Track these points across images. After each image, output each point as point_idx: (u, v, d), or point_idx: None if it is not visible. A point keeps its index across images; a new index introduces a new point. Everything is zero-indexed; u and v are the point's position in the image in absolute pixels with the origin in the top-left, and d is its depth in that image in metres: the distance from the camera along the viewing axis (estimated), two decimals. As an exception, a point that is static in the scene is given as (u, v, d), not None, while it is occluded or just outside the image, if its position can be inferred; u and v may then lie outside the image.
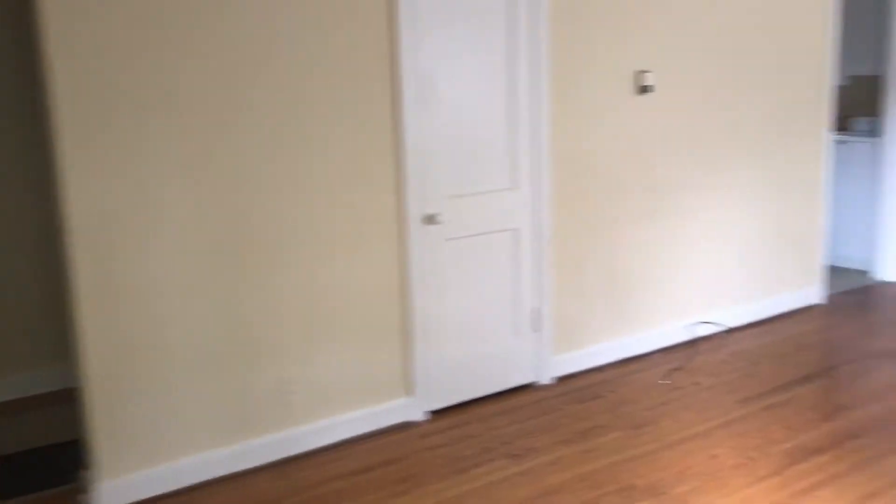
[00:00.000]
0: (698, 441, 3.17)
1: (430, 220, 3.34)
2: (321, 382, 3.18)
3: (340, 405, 3.25)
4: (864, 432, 3.19)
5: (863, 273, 5.55)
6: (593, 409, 3.52)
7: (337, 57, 3.01)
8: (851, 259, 5.65)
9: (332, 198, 3.09)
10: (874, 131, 5.57)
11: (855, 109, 5.80)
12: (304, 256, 3.06)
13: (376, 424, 3.35)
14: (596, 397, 3.64)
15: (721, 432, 3.24)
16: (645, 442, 3.18)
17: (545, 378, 3.80)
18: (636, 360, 4.08)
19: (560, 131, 3.66)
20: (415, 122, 3.23)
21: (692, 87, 4.09)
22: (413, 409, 3.43)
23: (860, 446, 3.07)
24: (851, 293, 5.18)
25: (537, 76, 3.52)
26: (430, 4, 3.21)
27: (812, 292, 4.90)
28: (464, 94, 3.36)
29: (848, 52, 5.72)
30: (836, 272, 5.55)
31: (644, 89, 3.87)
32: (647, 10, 3.84)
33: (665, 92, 3.98)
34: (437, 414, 3.52)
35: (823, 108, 4.70)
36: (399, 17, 3.11)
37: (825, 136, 4.75)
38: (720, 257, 4.39)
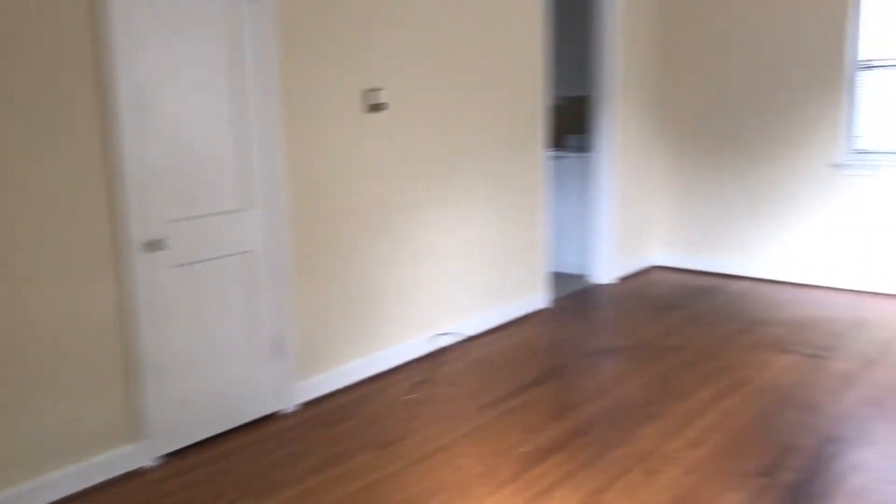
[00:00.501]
0: (445, 453, 3.21)
1: (153, 246, 3.07)
2: (25, 436, 2.79)
3: (52, 461, 2.87)
4: (591, 428, 3.42)
5: (581, 277, 6.04)
6: (342, 431, 3.44)
7: (27, 71, 2.67)
8: (571, 265, 6.12)
9: (31, 227, 2.73)
10: (585, 147, 6.08)
11: (567, 127, 6.31)
12: (1, 293, 2.67)
13: (99, 477, 3.01)
14: (344, 419, 3.57)
15: (465, 441, 3.31)
16: (394, 460, 3.16)
17: (290, 405, 3.66)
18: (383, 377, 4.07)
19: (294, 149, 3.55)
20: (133, 141, 2.95)
21: (423, 106, 4.18)
22: (142, 455, 3.12)
23: (589, 442, 3.29)
24: (572, 296, 5.60)
25: (267, 93, 3.39)
26: (147, 16, 2.96)
27: (539, 298, 5.22)
28: (189, 111, 3.14)
29: (559, 75, 6.20)
30: (558, 277, 5.97)
31: (376, 107, 3.88)
32: (378, 28, 3.86)
33: (397, 110, 4.02)
34: (174, 456, 3.25)
35: (539, 126, 5.03)
36: (110, 30, 2.83)
37: (542, 152, 5.09)
38: (455, 269, 4.53)
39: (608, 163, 5.75)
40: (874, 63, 5.33)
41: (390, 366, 4.18)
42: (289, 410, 3.66)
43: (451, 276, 4.51)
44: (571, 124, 6.34)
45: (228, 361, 3.41)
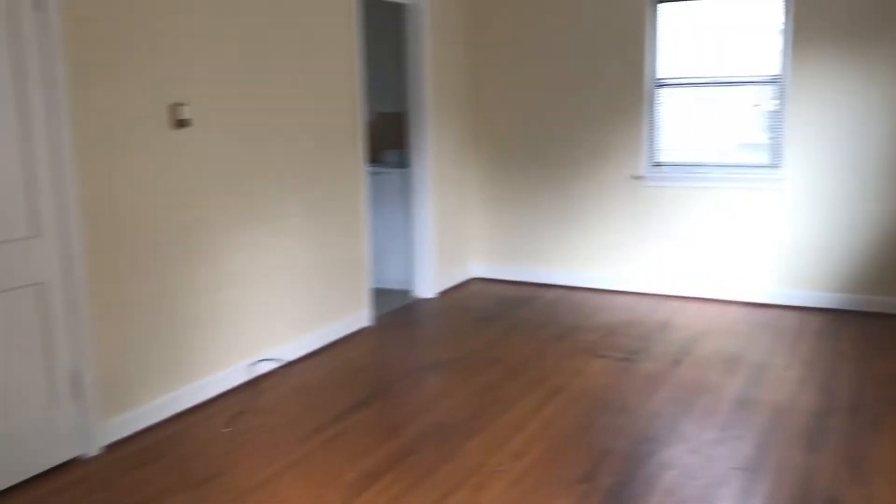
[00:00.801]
0: (267, 487, 3.05)
1: (-78, 281, 2.71)
2: None
3: None
4: (418, 447, 3.38)
5: (404, 292, 6.03)
6: (152, 472, 3.19)
7: None
8: (393, 280, 6.10)
9: None
10: (402, 163, 6.09)
11: (385, 143, 6.29)
12: None
13: None
14: (154, 459, 3.31)
15: (288, 473, 3.17)
16: (211, 499, 2.96)
17: (93, 449, 3.35)
18: (197, 411, 3.83)
19: (90, 170, 3.26)
20: None
21: (234, 121, 3.99)
22: (-83, 520, 2.74)
23: (416, 462, 3.25)
24: (396, 313, 5.57)
25: (55, 111, 3.09)
26: None
27: (362, 316, 5.14)
28: (-41, 127, 2.80)
29: (376, 90, 6.18)
30: (381, 294, 5.93)
31: (182, 123, 3.66)
32: (182, 39, 3.64)
33: (205, 126, 3.82)
34: (-47, 518, 2.87)
35: (358, 141, 4.97)
36: None
37: (361, 168, 5.03)
38: (273, 291, 4.36)
39: (425, 178, 5.79)
40: (669, 81, 5.72)
41: (205, 398, 3.94)
42: (92, 454, 3.34)
43: (269, 298, 4.33)
44: (389, 140, 6.33)
45: (20, 405, 3.06)
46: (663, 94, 5.75)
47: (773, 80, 5.42)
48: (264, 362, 4.29)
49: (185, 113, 3.67)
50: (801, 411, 3.68)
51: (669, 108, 5.77)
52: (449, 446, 3.38)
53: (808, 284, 5.40)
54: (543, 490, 2.98)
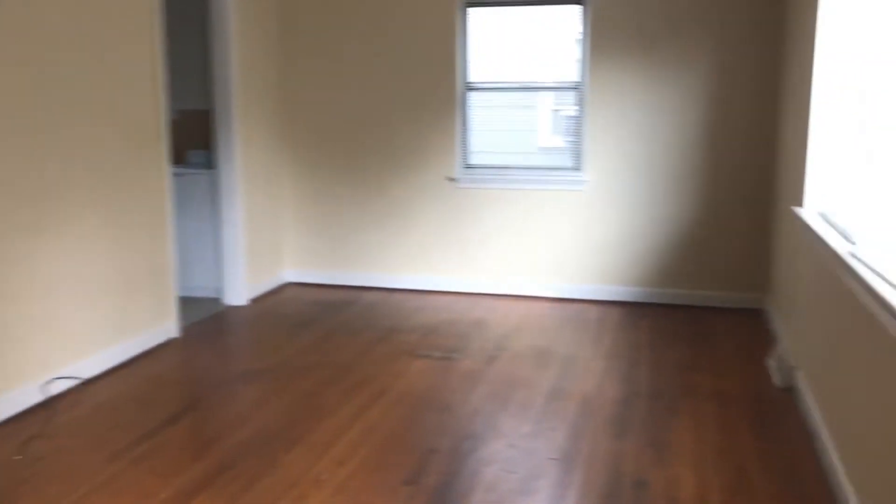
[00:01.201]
0: (67, 518, 2.79)
1: None
2: None
3: None
4: (235, 461, 3.23)
5: (214, 300, 5.76)
6: (-74, 513, 2.82)
7: None
8: (201, 288, 5.81)
9: None
10: (209, 163, 5.82)
11: (190, 143, 5.98)
12: None
13: None
14: (-72, 498, 2.93)
15: (95, 496, 2.91)
16: (0, 538, 2.66)
17: None
18: (-20, 438, 3.44)
19: None
20: None
21: (16, 118, 3.62)
22: None
23: (234, 476, 3.09)
24: (205, 322, 5.31)
25: None
26: None
27: (168, 327, 4.85)
28: None
29: (179, 87, 5.85)
30: (188, 302, 5.62)
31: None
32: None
33: (-18, 122, 3.43)
34: None
35: (160, 141, 4.68)
36: None
37: (165, 169, 4.74)
38: (66, 303, 4.01)
39: (233, 179, 5.57)
40: (479, 85, 5.87)
41: (-9, 423, 3.55)
42: None
43: (61, 311, 3.97)
44: (194, 140, 6.02)
45: None
46: (474, 98, 5.89)
47: (573, 87, 5.71)
48: (58, 381, 3.92)
49: (-41, 107, 3.28)
50: (606, 401, 3.89)
51: (480, 111, 5.92)
52: (267, 458, 3.25)
53: (608, 279, 5.74)
54: (367, 495, 2.94)
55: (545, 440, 3.44)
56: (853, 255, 2.74)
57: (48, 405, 3.80)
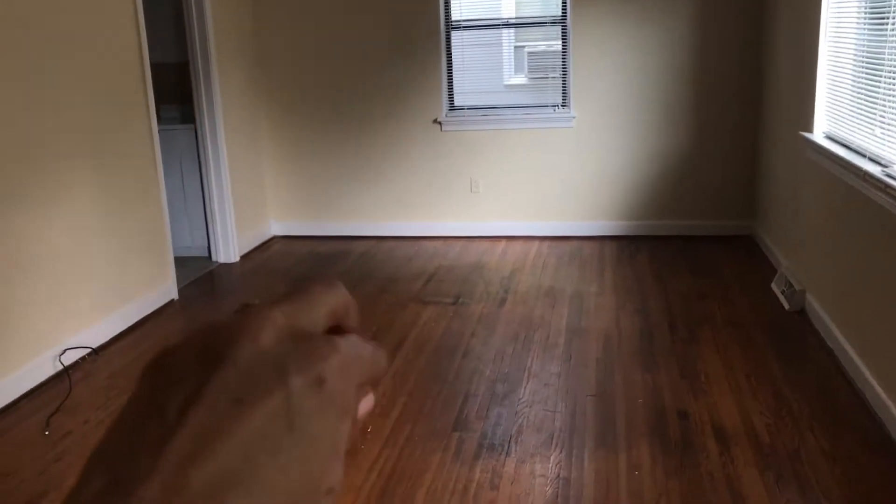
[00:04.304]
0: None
1: None
2: None
3: None
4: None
5: (204, 259, 5.61)
6: (-34, 497, 2.72)
7: None
8: (189, 248, 5.64)
9: None
10: (185, 118, 5.60)
11: (164, 97, 5.73)
12: None
13: None
14: (-35, 481, 2.82)
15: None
16: (54, 516, 2.59)
17: None
18: (4, 416, 3.31)
19: None
20: None
21: (2, 83, 3.41)
22: None
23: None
24: (199, 282, 5.19)
25: None
26: None
27: (167, 288, 4.72)
28: None
29: (152, 40, 5.58)
30: (179, 263, 5.45)
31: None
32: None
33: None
34: None
35: (146, 97, 4.48)
36: None
37: (151, 126, 4.55)
38: (68, 272, 3.85)
39: (216, 133, 5.38)
40: (463, 24, 5.72)
41: (8, 400, 3.41)
42: None
43: (64, 281, 3.82)
44: (168, 94, 5.77)
45: None
46: (457, 37, 5.76)
47: (556, 21, 5.62)
48: (70, 351, 3.79)
49: (-51, 70, 3.06)
50: (627, 334, 3.93)
51: (463, 50, 5.80)
52: (306, 415, 3.21)
53: (601, 215, 5.76)
54: (418, 444, 2.93)
55: (577, 377, 3.47)
56: (890, 175, 2.78)
57: (63, 377, 3.68)
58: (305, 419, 0.32)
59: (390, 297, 4.70)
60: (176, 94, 5.67)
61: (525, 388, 3.38)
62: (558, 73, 5.69)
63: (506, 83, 6.98)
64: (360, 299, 4.59)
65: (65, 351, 3.75)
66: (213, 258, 5.59)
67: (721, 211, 5.62)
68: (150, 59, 5.44)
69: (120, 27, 4.25)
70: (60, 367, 3.70)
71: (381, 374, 0.39)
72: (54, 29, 3.72)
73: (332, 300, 0.38)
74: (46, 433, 3.15)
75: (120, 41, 4.25)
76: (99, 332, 4.04)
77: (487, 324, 4.17)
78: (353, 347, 0.36)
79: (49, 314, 3.69)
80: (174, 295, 4.78)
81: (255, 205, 5.95)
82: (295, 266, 5.46)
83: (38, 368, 3.60)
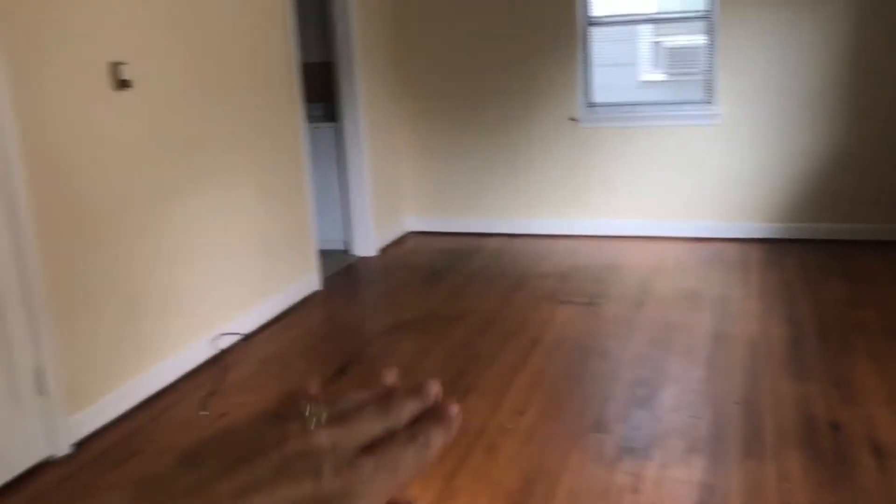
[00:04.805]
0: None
1: None
2: None
3: None
4: (415, 412, 3.25)
5: (343, 252, 5.80)
6: (134, 470, 2.93)
7: None
8: (330, 240, 5.85)
9: None
10: (329, 116, 5.81)
11: (310, 95, 5.96)
12: None
13: None
14: (134, 454, 3.05)
15: (287, 453, 2.98)
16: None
17: (63, 448, 3.04)
18: (165, 395, 3.55)
19: (31, 138, 2.89)
20: None
21: (173, 81, 3.64)
22: None
23: (419, 427, 3.11)
24: (341, 274, 5.36)
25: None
26: None
27: (311, 280, 4.91)
28: None
29: (300, 41, 5.82)
30: (322, 255, 5.67)
31: (124, 84, 3.30)
32: (111, -10, 3.26)
33: (146, 87, 3.45)
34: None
35: (295, 95, 4.68)
36: None
37: (300, 123, 4.75)
38: (225, 261, 4.08)
39: (358, 131, 5.55)
40: (602, 20, 5.66)
41: (171, 379, 3.66)
42: (62, 454, 3.03)
43: (221, 268, 4.04)
44: (314, 92, 6.01)
45: (-20, 411, 2.73)
46: (596, 33, 5.69)
47: (702, 16, 5.45)
48: (225, 336, 4.02)
49: (126, 73, 3.31)
50: (774, 341, 3.77)
51: (602, 46, 5.72)
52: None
53: (747, 216, 5.55)
54: (558, 443, 2.93)
55: (722, 384, 3.36)
56: None
57: (218, 361, 3.90)
58: None
59: (524, 294, 4.71)
60: (320, 93, 5.89)
61: (666, 392, 3.31)
62: (701, 69, 5.52)
63: (641, 79, 6.85)
64: (495, 296, 4.64)
65: (220, 335, 3.98)
66: (353, 252, 5.78)
67: (882, 213, 5.29)
68: (301, 59, 5.67)
69: (271, 28, 4.46)
70: (216, 351, 3.93)
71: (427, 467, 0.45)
72: (215, 31, 3.95)
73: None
74: (203, 413, 3.35)
75: (272, 42, 4.46)
76: (250, 318, 4.26)
77: (625, 326, 4.11)
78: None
79: (206, 300, 3.92)
80: (318, 286, 4.97)
81: (392, 201, 6.09)
82: (430, 261, 5.55)
83: (197, 351, 3.83)
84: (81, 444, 3.12)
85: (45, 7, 2.94)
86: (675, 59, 6.03)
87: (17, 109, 2.81)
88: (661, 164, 5.66)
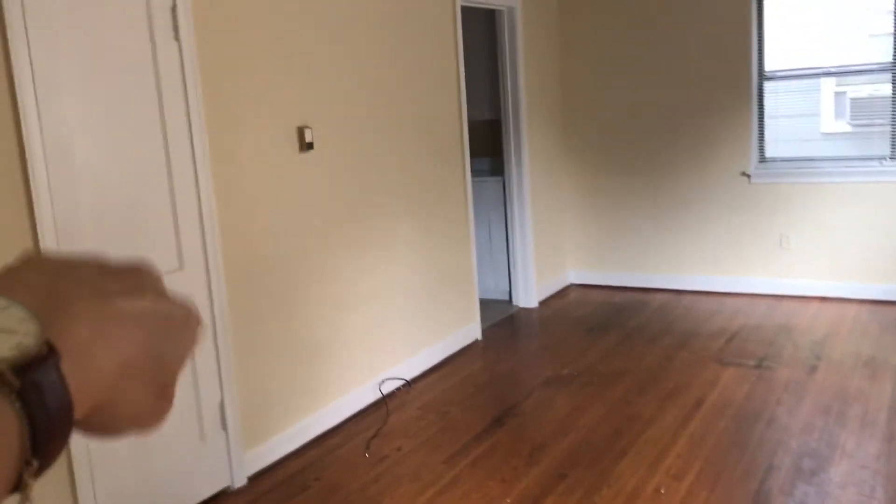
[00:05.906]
0: (425, 517, 2.97)
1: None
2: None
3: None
4: (568, 469, 3.27)
5: (504, 303, 5.91)
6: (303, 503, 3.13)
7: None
8: (491, 290, 5.98)
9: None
10: (493, 170, 5.98)
11: (475, 151, 6.18)
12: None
13: None
14: (303, 489, 3.26)
15: (442, 500, 3.08)
16: (372, 532, 2.89)
17: (239, 480, 3.30)
18: (331, 435, 3.77)
19: (225, 197, 3.22)
20: (54, 197, 2.57)
21: (350, 140, 3.93)
22: (87, 561, 2.71)
23: (572, 486, 3.13)
24: (501, 324, 5.46)
25: (192, 140, 3.05)
26: (60, 67, 2.58)
27: (472, 329, 5.05)
28: (112, 164, 2.77)
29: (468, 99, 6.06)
30: (482, 305, 5.81)
31: (308, 145, 3.60)
32: (300, 61, 3.59)
33: (326, 147, 3.75)
34: (118, 557, 2.84)
35: (463, 150, 4.88)
36: (18, 84, 2.44)
37: (466, 177, 4.93)
38: (392, 308, 4.29)
39: (522, 184, 5.67)
40: (777, 74, 5.51)
41: (338, 421, 3.88)
42: (238, 486, 3.30)
43: (388, 315, 4.26)
44: (478, 148, 6.22)
45: (176, 440, 3.02)
46: (770, 87, 5.54)
47: (887, 68, 5.18)
48: (388, 381, 4.22)
49: (310, 135, 3.61)
50: (966, 419, 3.48)
51: (776, 100, 5.55)
52: (600, 469, 3.26)
53: (935, 279, 5.15)
54: (716, 514, 2.84)
55: (901, 462, 3.14)
56: None
57: (380, 405, 4.09)
58: None
59: (688, 354, 4.60)
60: (487, 148, 6.09)
61: (837, 467, 3.13)
62: (887, 121, 5.23)
63: (823, 131, 6.57)
64: (657, 353, 4.57)
65: (384, 381, 4.18)
66: (514, 302, 5.87)
67: None
68: (468, 117, 5.91)
69: (443, 89, 4.69)
70: (380, 396, 4.12)
71: None
72: (390, 95, 4.22)
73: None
74: (367, 455, 3.53)
75: (443, 103, 4.69)
76: (412, 365, 4.44)
77: (795, 392, 3.92)
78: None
79: (372, 346, 4.14)
80: (478, 335, 5.09)
81: (554, 253, 6.15)
82: (592, 315, 5.54)
83: (363, 394, 4.04)
84: (255, 478, 3.38)
85: (238, 82, 3.29)
86: (859, 109, 5.74)
87: (216, 181, 3.15)
88: (840, 221, 5.37)
